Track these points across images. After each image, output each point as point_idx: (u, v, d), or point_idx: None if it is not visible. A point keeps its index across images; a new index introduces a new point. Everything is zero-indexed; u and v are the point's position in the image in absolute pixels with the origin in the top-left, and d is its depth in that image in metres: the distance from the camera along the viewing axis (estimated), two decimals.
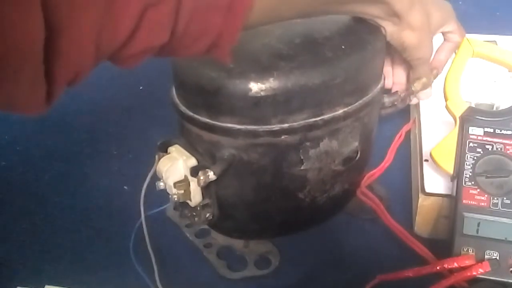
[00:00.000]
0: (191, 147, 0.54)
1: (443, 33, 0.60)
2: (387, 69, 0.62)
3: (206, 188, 0.54)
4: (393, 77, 0.63)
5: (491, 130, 0.57)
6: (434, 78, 0.62)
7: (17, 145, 0.80)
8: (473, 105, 0.65)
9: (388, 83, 0.62)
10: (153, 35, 0.38)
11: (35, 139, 0.81)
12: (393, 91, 0.62)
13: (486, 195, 0.55)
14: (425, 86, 0.61)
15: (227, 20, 0.41)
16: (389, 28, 0.55)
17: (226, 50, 0.43)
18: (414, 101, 0.65)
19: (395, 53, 0.59)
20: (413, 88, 0.61)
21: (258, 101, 0.49)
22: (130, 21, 0.36)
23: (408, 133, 0.73)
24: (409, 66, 0.60)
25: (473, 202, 0.55)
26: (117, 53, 0.38)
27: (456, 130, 0.59)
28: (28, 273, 0.60)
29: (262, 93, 0.49)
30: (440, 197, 0.59)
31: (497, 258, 0.53)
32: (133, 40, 0.37)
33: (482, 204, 0.55)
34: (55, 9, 0.33)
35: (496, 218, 0.54)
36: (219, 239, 0.62)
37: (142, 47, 0.38)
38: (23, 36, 0.31)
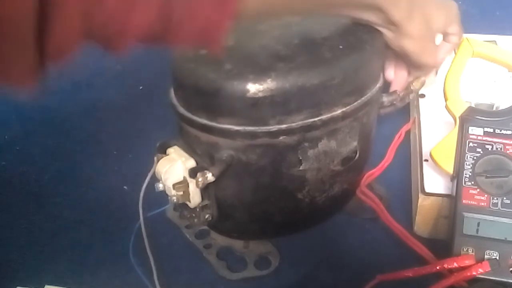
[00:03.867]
0: (190, 148, 0.54)
1: (444, 34, 0.60)
2: (390, 62, 0.62)
3: (205, 189, 0.54)
4: (395, 70, 0.62)
5: (491, 130, 0.57)
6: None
7: (17, 145, 0.81)
8: (473, 105, 0.65)
9: (389, 75, 0.62)
10: (140, 12, 0.38)
11: (35, 139, 0.81)
12: (393, 86, 0.62)
13: (486, 195, 0.55)
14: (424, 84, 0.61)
15: (218, 6, 0.40)
16: (388, 35, 0.54)
17: (218, 40, 0.42)
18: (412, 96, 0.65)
19: None
20: (412, 88, 0.61)
21: (256, 102, 0.49)
22: None
23: (408, 132, 0.73)
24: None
25: (473, 202, 0.55)
26: (105, 31, 0.38)
27: (456, 130, 0.59)
28: (28, 273, 0.60)
29: (260, 94, 0.49)
30: (440, 197, 0.59)
31: (497, 258, 0.53)
32: (119, 16, 0.37)
33: (482, 204, 0.55)
34: None
35: (496, 218, 0.54)
36: (219, 239, 0.62)
37: (129, 24, 0.38)
38: (17, 8, 0.31)
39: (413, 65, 0.59)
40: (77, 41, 0.36)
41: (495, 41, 0.80)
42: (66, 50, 0.36)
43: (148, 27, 0.39)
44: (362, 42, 0.54)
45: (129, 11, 0.37)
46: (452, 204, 0.56)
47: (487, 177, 0.55)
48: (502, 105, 0.69)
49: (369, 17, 0.52)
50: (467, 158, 0.56)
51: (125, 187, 0.71)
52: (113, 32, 0.38)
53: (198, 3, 0.40)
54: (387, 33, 0.54)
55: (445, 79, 0.62)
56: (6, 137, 0.82)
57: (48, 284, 0.57)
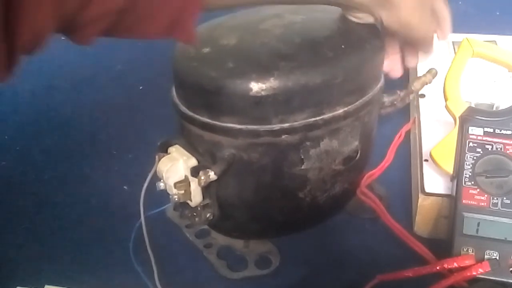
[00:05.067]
0: (191, 147, 0.54)
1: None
2: (395, 56, 0.62)
3: (206, 188, 0.54)
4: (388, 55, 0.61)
5: (491, 130, 0.57)
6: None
7: (17, 145, 0.80)
8: (473, 105, 0.65)
9: (397, 73, 0.62)
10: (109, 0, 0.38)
11: (35, 139, 0.81)
12: (390, 73, 0.62)
13: (486, 195, 0.55)
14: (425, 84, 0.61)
15: None
16: (383, 14, 0.53)
17: (190, 28, 0.42)
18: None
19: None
20: (412, 88, 0.61)
21: (258, 100, 0.49)
22: None
23: (408, 133, 0.73)
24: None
25: (473, 202, 0.55)
26: (74, 19, 0.37)
27: (456, 130, 0.59)
28: (28, 273, 0.60)
29: (263, 93, 0.49)
30: (440, 197, 0.59)
31: (497, 258, 0.53)
32: (89, 4, 0.37)
33: (482, 204, 0.55)
34: None
35: (496, 218, 0.54)
36: (219, 239, 0.62)
37: (98, 11, 0.38)
38: None
39: (413, 42, 0.58)
40: (48, 31, 0.36)
41: (495, 41, 0.81)
42: (37, 40, 0.35)
43: (117, 11, 0.39)
44: (363, 41, 0.54)
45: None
46: (452, 204, 0.56)
47: (487, 177, 0.55)
48: (502, 105, 0.69)
49: None
50: (467, 158, 0.56)
51: (125, 187, 0.71)
52: (83, 20, 0.38)
53: None
54: (382, 12, 0.53)
55: (445, 79, 0.62)
56: (6, 137, 0.82)
57: (48, 284, 0.57)
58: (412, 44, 0.60)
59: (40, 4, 0.34)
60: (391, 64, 0.62)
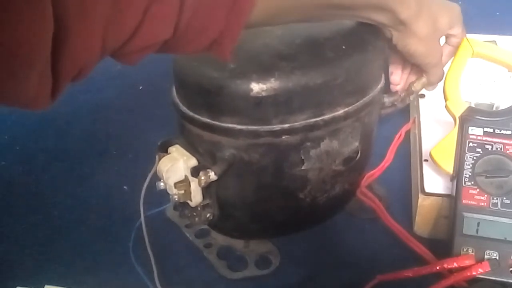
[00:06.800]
0: (192, 147, 0.55)
1: (446, 35, 0.60)
2: (396, 66, 0.62)
3: (206, 188, 0.54)
4: (402, 75, 0.63)
5: (491, 130, 0.57)
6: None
7: (17, 145, 0.81)
8: (473, 105, 0.65)
9: (395, 79, 0.62)
10: (157, 31, 0.39)
11: (35, 139, 0.81)
12: (395, 88, 0.62)
13: (485, 195, 0.55)
14: (425, 86, 0.61)
15: (230, 17, 0.41)
16: (394, 35, 0.54)
17: (228, 47, 0.43)
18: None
19: None
20: (412, 88, 0.61)
21: (259, 101, 0.49)
22: (136, 17, 0.37)
23: (408, 133, 0.74)
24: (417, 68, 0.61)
25: (472, 202, 0.55)
26: (122, 48, 0.38)
27: (456, 130, 0.59)
28: (28, 273, 0.60)
29: (263, 93, 0.49)
30: (440, 197, 0.59)
31: (497, 258, 0.53)
32: (137, 35, 0.38)
33: (482, 204, 0.55)
34: (65, 4, 0.33)
35: (496, 218, 0.54)
36: (219, 239, 0.62)
37: (146, 42, 0.39)
38: (33, 31, 0.31)
39: (417, 66, 0.59)
40: (94, 64, 0.37)
41: (495, 41, 0.81)
42: (83, 70, 0.36)
43: (163, 41, 0.40)
44: (364, 43, 0.54)
45: (147, 29, 0.38)
46: (452, 204, 0.56)
47: (487, 177, 0.56)
48: (502, 105, 0.69)
49: (379, 18, 0.52)
50: (467, 158, 0.57)
51: (125, 187, 0.71)
52: (129, 50, 0.39)
53: (212, 13, 0.41)
54: (395, 33, 0.54)
55: (445, 79, 0.62)
56: (6, 137, 0.82)
57: (48, 284, 0.57)
58: (420, 69, 0.60)
59: (87, 42, 0.35)
60: (395, 78, 0.63)
